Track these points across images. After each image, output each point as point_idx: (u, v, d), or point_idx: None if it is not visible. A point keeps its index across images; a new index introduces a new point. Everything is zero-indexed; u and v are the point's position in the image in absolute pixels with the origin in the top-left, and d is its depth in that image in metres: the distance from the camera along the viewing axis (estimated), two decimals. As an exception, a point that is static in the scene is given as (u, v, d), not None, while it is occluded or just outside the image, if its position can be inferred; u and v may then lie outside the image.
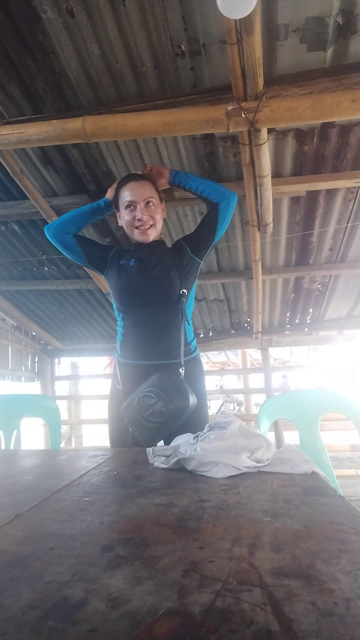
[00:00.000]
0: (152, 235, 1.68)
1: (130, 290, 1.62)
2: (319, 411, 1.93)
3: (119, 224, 1.75)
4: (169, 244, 1.89)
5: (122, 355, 1.66)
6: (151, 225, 1.65)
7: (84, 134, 1.87)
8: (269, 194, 2.41)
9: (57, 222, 1.78)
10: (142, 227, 1.64)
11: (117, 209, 1.73)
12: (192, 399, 1.43)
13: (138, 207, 1.62)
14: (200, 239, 1.77)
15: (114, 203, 1.75)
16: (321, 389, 1.92)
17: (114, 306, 1.71)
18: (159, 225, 1.70)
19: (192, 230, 1.87)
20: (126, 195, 1.64)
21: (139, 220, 1.62)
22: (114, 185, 1.70)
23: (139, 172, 1.89)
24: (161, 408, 1.37)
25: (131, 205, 1.62)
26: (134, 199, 1.62)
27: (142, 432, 1.42)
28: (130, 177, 1.71)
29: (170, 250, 1.79)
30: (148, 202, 1.63)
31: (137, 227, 1.64)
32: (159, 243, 1.76)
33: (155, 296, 1.60)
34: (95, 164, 2.60)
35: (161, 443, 1.49)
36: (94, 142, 2.28)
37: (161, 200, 1.74)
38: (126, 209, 1.64)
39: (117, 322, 1.73)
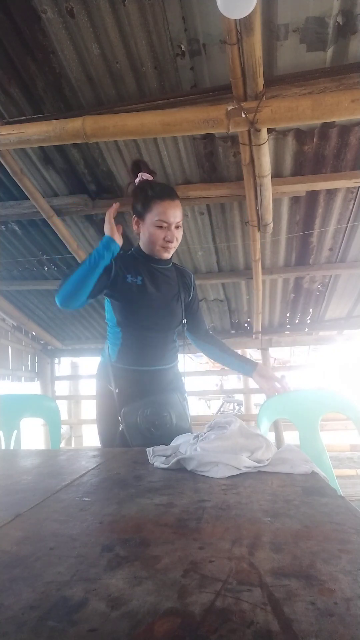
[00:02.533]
0: (172, 253, 1.68)
1: (137, 312, 1.62)
2: (318, 411, 1.93)
3: (137, 232, 1.68)
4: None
5: (118, 361, 1.66)
6: (174, 247, 1.65)
7: (84, 134, 1.87)
8: (269, 194, 2.41)
9: (61, 296, 1.55)
10: (168, 248, 1.63)
11: (142, 217, 1.63)
12: (190, 424, 1.54)
13: (170, 228, 1.59)
14: (191, 308, 1.80)
15: (138, 210, 1.65)
16: (321, 388, 1.93)
17: (114, 319, 1.66)
18: (177, 244, 1.69)
19: (194, 301, 1.84)
20: (161, 213, 1.58)
21: (168, 241, 1.60)
22: (120, 230, 1.56)
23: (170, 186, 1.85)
24: (165, 424, 1.45)
25: (163, 226, 1.59)
26: (169, 220, 1.58)
27: (137, 437, 1.47)
28: (166, 193, 1.62)
29: (177, 274, 1.76)
30: (178, 226, 1.62)
31: (162, 247, 1.62)
32: (167, 260, 1.72)
33: (159, 323, 1.66)
34: (95, 164, 2.60)
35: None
36: (94, 142, 2.28)
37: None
38: (157, 227, 1.59)
39: (112, 330, 1.69)
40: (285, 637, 0.38)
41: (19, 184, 2.58)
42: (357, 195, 2.78)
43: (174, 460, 1.04)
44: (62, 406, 5.85)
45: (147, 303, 1.61)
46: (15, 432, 2.14)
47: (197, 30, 1.80)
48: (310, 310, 4.35)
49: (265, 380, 1.69)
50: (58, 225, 2.97)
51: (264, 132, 1.94)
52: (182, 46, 1.86)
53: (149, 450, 1.20)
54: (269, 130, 2.17)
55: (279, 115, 1.75)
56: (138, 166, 1.68)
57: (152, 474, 1.02)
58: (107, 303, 1.68)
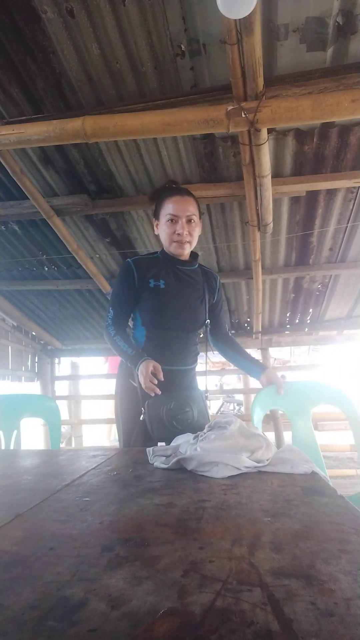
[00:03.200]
0: (187, 250, 1.72)
1: (162, 315, 1.68)
2: (311, 402, 1.97)
3: (156, 233, 1.77)
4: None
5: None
6: (188, 242, 1.69)
7: (84, 134, 1.87)
8: (269, 194, 2.41)
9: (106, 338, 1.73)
10: (181, 242, 1.67)
11: (157, 218, 1.74)
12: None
13: (180, 222, 1.65)
14: (215, 310, 1.88)
15: (155, 212, 1.75)
16: (314, 381, 1.99)
17: (138, 318, 1.73)
18: (195, 242, 1.74)
19: (218, 303, 1.92)
20: (170, 209, 1.66)
21: (178, 234, 1.66)
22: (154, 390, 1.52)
23: (180, 185, 1.92)
24: (187, 419, 1.48)
25: (173, 219, 1.65)
26: (178, 213, 1.64)
27: (158, 429, 1.50)
28: (176, 190, 1.72)
29: (203, 276, 1.82)
30: (190, 220, 1.66)
31: (175, 241, 1.68)
32: (192, 261, 1.79)
33: (184, 324, 1.72)
34: (95, 164, 2.60)
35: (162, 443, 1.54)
36: (94, 142, 2.28)
37: (200, 217, 1.76)
38: (168, 221, 1.67)
39: (137, 328, 1.75)
40: (285, 637, 0.38)
41: (19, 184, 2.58)
42: (357, 195, 2.78)
43: (174, 460, 1.04)
44: (62, 406, 5.84)
45: (171, 305, 1.67)
46: (15, 432, 2.14)
47: (197, 30, 1.80)
48: (310, 310, 4.35)
49: (268, 382, 1.85)
50: (58, 225, 2.97)
51: (264, 132, 1.93)
52: (182, 46, 1.86)
53: (149, 450, 1.20)
54: (269, 130, 2.17)
55: (279, 115, 1.75)
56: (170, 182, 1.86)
57: (152, 474, 1.02)
58: (140, 313, 1.74)
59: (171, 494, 0.84)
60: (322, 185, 2.60)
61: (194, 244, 1.74)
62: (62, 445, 5.70)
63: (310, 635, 0.39)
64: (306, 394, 2.00)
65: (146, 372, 1.50)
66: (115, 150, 2.48)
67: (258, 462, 1.02)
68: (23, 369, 5.09)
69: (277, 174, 2.55)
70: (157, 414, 1.48)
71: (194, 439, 1.16)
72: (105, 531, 0.66)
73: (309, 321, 4.52)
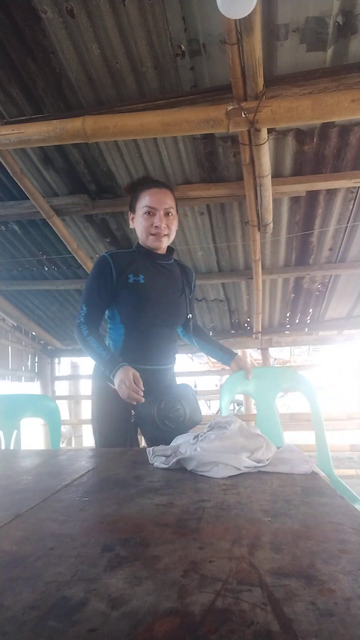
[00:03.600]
0: (165, 243, 1.68)
1: (142, 311, 1.62)
2: (276, 387, 2.13)
3: (131, 226, 1.72)
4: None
5: (122, 357, 1.62)
6: (166, 235, 1.65)
7: (84, 134, 1.87)
8: (269, 194, 2.41)
9: (77, 339, 1.65)
10: (158, 235, 1.63)
11: (133, 211, 1.69)
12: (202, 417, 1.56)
13: (157, 214, 1.61)
14: (191, 304, 1.86)
15: (131, 205, 1.70)
16: (279, 367, 2.27)
17: (117, 316, 1.65)
18: (173, 236, 1.69)
19: (194, 298, 1.93)
20: (147, 201, 1.61)
21: (156, 227, 1.61)
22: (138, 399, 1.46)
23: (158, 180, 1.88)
24: (179, 417, 1.45)
25: (150, 212, 1.61)
26: (155, 205, 1.60)
27: (153, 431, 1.47)
28: (152, 183, 1.67)
29: (180, 270, 1.79)
30: (168, 213, 1.63)
31: (152, 234, 1.63)
32: (169, 255, 1.75)
33: (166, 320, 1.67)
34: (95, 164, 2.60)
35: None
36: (94, 142, 2.28)
37: (177, 212, 1.73)
38: (144, 214, 1.62)
39: (115, 327, 1.68)
40: (285, 637, 0.38)
41: (19, 184, 2.58)
42: (357, 195, 2.78)
43: (174, 460, 1.04)
44: (62, 406, 5.84)
45: (152, 301, 1.62)
46: (15, 432, 2.14)
47: (197, 30, 1.80)
48: (310, 310, 4.35)
49: (238, 368, 1.91)
50: (58, 225, 2.97)
51: (264, 132, 1.94)
52: (182, 46, 1.86)
53: (149, 450, 1.20)
54: (269, 130, 2.17)
55: (279, 115, 1.75)
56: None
57: (152, 474, 1.02)
58: (118, 310, 1.67)
59: (171, 494, 0.84)
60: (322, 185, 2.60)
61: (172, 237, 1.70)
62: (62, 445, 5.70)
63: (310, 635, 0.39)
64: (271, 379, 2.14)
65: (129, 382, 1.44)
66: (115, 150, 2.48)
67: (258, 462, 1.02)
68: (23, 369, 5.09)
69: (277, 174, 2.55)
70: (148, 414, 1.45)
71: (194, 439, 1.16)
72: (105, 531, 0.66)
73: (309, 321, 4.52)
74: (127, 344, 1.64)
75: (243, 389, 2.14)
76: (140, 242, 1.70)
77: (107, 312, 1.70)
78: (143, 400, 1.44)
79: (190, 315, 1.79)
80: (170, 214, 1.64)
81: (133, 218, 1.70)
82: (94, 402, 1.71)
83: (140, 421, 1.50)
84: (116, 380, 1.47)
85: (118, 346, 1.66)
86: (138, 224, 1.67)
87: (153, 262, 1.68)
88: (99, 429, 1.68)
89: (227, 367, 1.95)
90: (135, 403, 1.45)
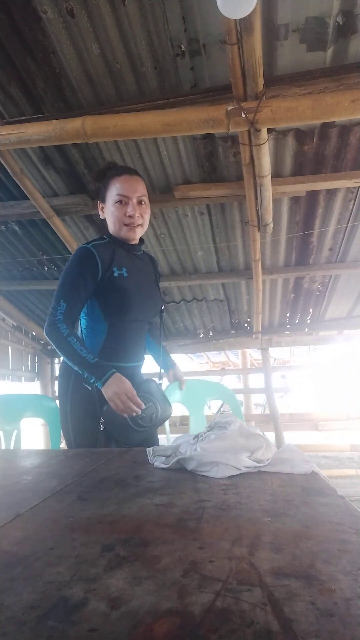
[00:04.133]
0: (139, 234, 1.59)
1: (129, 306, 1.54)
2: (204, 397, 2.51)
3: (101, 217, 1.61)
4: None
5: (103, 356, 1.53)
6: (140, 225, 1.56)
7: (84, 134, 1.87)
8: (269, 194, 2.41)
9: (49, 338, 1.56)
10: (132, 225, 1.54)
11: (103, 200, 1.57)
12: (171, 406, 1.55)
13: (130, 203, 1.51)
14: None
15: (99, 193, 1.60)
16: (205, 380, 2.80)
17: (99, 314, 1.55)
18: (146, 225, 1.61)
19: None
20: (118, 188, 1.50)
21: (130, 217, 1.52)
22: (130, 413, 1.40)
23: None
24: (152, 414, 1.42)
25: (123, 200, 1.51)
26: (128, 194, 1.50)
27: (127, 435, 1.43)
28: (123, 169, 1.57)
29: (149, 259, 1.74)
30: (141, 201, 1.53)
31: (126, 224, 1.53)
32: (140, 245, 1.66)
33: (147, 312, 1.64)
34: (95, 164, 2.60)
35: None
36: (94, 142, 2.28)
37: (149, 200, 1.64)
38: (116, 203, 1.52)
39: (95, 325, 1.57)
40: (285, 637, 0.38)
41: (19, 184, 2.58)
42: (357, 195, 2.78)
43: (174, 460, 1.04)
44: (62, 406, 5.82)
45: (135, 295, 1.54)
46: (15, 432, 2.14)
47: (197, 30, 1.80)
48: (310, 310, 4.35)
49: (174, 379, 1.96)
50: (58, 225, 2.97)
51: (264, 132, 1.94)
52: (182, 46, 1.86)
53: (149, 450, 1.20)
54: (269, 130, 2.17)
55: (279, 115, 1.75)
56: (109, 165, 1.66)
57: (152, 474, 1.02)
58: (100, 306, 1.57)
59: (171, 494, 0.84)
60: (322, 185, 2.60)
61: (146, 227, 1.61)
62: (62, 445, 5.70)
63: (310, 635, 0.39)
64: (199, 390, 2.46)
65: (129, 395, 1.37)
66: (115, 150, 2.48)
67: (258, 462, 1.01)
68: (23, 369, 5.09)
69: (277, 174, 2.55)
70: (118, 417, 1.39)
71: (194, 439, 1.16)
72: (105, 531, 0.66)
73: (309, 321, 4.52)
74: (108, 342, 1.55)
75: (178, 397, 2.38)
76: (112, 233, 1.59)
77: (84, 311, 1.59)
78: (139, 410, 1.38)
79: (163, 306, 1.74)
80: (143, 202, 1.54)
81: (103, 208, 1.59)
82: (69, 403, 1.57)
83: (111, 427, 1.43)
84: (108, 391, 1.38)
85: (97, 345, 1.55)
86: (109, 213, 1.55)
87: (129, 254, 1.59)
88: (73, 428, 1.56)
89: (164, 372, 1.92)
90: (126, 415, 1.39)
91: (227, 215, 3.01)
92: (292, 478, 0.95)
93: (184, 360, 9.99)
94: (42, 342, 5.25)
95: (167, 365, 1.90)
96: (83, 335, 1.61)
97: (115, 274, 1.51)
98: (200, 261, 3.58)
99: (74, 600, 0.46)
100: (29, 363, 5.23)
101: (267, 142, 2.03)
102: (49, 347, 5.29)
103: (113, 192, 1.52)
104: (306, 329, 4.58)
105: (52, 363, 5.42)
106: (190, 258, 3.54)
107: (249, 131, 1.95)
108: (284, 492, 0.84)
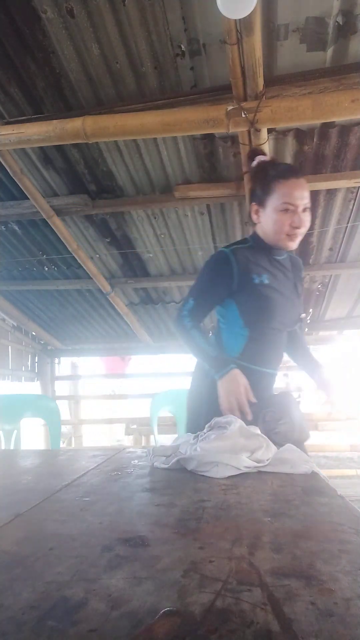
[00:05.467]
0: (297, 243, 1.47)
1: (270, 314, 1.45)
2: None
3: (256, 221, 1.47)
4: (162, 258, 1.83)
5: (243, 358, 1.46)
6: (301, 235, 1.44)
7: (84, 134, 1.87)
8: (269, 194, 2.40)
9: (178, 330, 1.48)
10: (295, 235, 1.41)
11: (261, 203, 1.42)
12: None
13: (297, 212, 1.38)
14: None
15: (257, 195, 1.45)
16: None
17: (239, 320, 1.47)
18: (305, 231, 1.47)
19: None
20: (285, 195, 1.36)
21: (295, 228, 1.39)
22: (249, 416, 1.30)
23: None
24: (286, 432, 1.30)
25: (289, 209, 1.37)
26: (295, 202, 1.36)
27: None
28: (289, 171, 1.42)
29: (291, 264, 1.58)
30: (305, 209, 1.40)
31: (288, 234, 1.40)
32: (284, 250, 1.53)
33: (288, 322, 1.53)
34: (95, 164, 2.60)
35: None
36: (94, 142, 2.28)
37: None
38: (282, 211, 1.38)
39: (236, 330, 1.49)
40: (285, 637, 0.38)
41: (19, 184, 2.58)
42: (357, 195, 2.78)
43: (174, 460, 1.04)
44: (62, 406, 5.84)
45: (277, 302, 1.45)
46: (15, 432, 2.14)
47: (197, 30, 1.80)
48: (310, 310, 4.35)
49: (324, 387, 1.62)
50: (58, 225, 2.97)
51: (264, 132, 1.94)
52: (182, 46, 1.86)
53: (149, 450, 1.20)
54: (269, 130, 2.17)
55: (279, 115, 1.75)
56: (256, 152, 1.52)
57: (152, 474, 1.02)
58: (229, 303, 1.49)
59: (171, 494, 0.84)
60: (322, 185, 2.60)
61: (304, 234, 1.48)
62: (62, 445, 5.70)
63: (310, 635, 0.39)
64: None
65: (243, 390, 1.30)
66: (115, 150, 2.48)
67: (258, 462, 1.01)
68: (23, 369, 5.09)
69: (277, 174, 2.55)
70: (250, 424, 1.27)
71: (194, 439, 1.16)
72: (105, 531, 0.66)
73: (309, 321, 4.52)
74: (249, 348, 1.47)
75: (167, 407, 2.44)
76: (262, 237, 1.47)
77: (223, 313, 1.52)
78: (250, 416, 1.29)
79: (303, 314, 1.61)
80: (306, 210, 1.41)
81: (258, 210, 1.45)
82: (206, 385, 1.47)
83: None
84: (223, 385, 1.33)
85: (238, 349, 1.47)
86: (270, 221, 1.41)
87: (271, 259, 1.48)
88: (207, 411, 1.42)
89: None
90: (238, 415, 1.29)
91: (227, 215, 3.01)
92: (292, 478, 0.95)
93: (184, 360, 9.98)
94: (42, 342, 5.25)
95: (315, 376, 1.63)
96: (222, 337, 1.54)
97: (256, 281, 1.42)
98: (200, 261, 3.58)
99: (74, 600, 0.46)
100: (29, 363, 5.23)
101: (267, 142, 2.03)
102: (49, 347, 5.29)
103: (278, 198, 1.38)
104: (306, 329, 4.58)
105: (52, 363, 5.42)
106: (190, 258, 3.54)
107: (249, 131, 1.95)
108: (284, 492, 0.84)
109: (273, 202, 1.39)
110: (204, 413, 1.45)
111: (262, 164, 1.47)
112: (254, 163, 1.48)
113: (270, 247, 1.47)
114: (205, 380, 1.48)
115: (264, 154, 1.53)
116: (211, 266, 1.47)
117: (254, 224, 1.50)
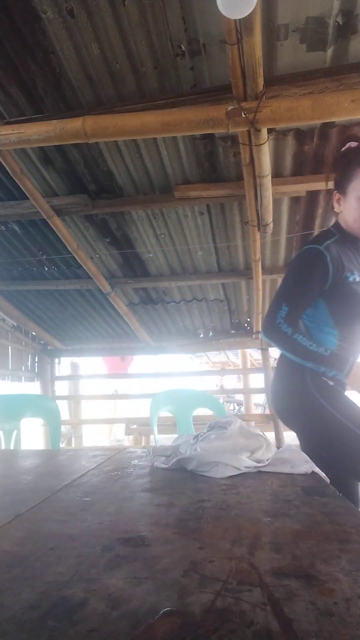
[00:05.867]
0: None
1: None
2: (192, 406, 2.55)
3: (338, 209, 1.44)
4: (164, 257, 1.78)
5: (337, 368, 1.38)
6: None
7: (84, 134, 1.87)
8: (269, 194, 2.41)
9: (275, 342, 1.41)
10: None
11: (343, 191, 1.40)
12: None
13: None
14: None
15: (339, 183, 1.42)
16: (194, 389, 3.04)
17: (329, 320, 1.42)
18: None
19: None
20: None
21: None
22: None
23: None
24: None
25: None
26: None
27: None
28: None
29: None
30: None
31: None
32: None
33: None
34: (95, 164, 2.60)
35: None
36: (94, 142, 2.28)
37: None
38: None
39: (328, 329, 1.43)
40: (285, 637, 0.38)
41: (19, 184, 2.58)
42: (357, 195, 2.78)
43: (174, 460, 1.04)
44: (62, 406, 5.84)
45: None
46: (15, 432, 2.14)
47: (197, 30, 1.80)
48: (310, 310, 4.35)
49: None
50: (58, 225, 2.97)
51: (264, 132, 1.93)
52: (182, 46, 1.86)
53: (149, 450, 1.20)
54: (269, 130, 2.16)
55: (279, 115, 1.75)
56: (350, 138, 1.50)
57: (152, 474, 1.02)
58: (317, 302, 1.43)
59: (171, 494, 0.84)
60: (322, 185, 2.60)
61: None
62: (62, 445, 5.70)
63: (310, 635, 0.39)
64: (187, 400, 2.57)
65: None
66: (115, 150, 2.48)
67: (258, 462, 1.02)
68: (23, 369, 5.09)
69: (277, 174, 2.55)
70: None
71: (194, 439, 1.17)
72: (105, 531, 0.66)
73: None
74: (338, 350, 1.41)
75: (167, 407, 2.49)
76: (347, 228, 1.42)
77: (309, 312, 1.45)
78: None
79: None
80: None
81: (340, 200, 1.42)
82: (315, 397, 1.37)
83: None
84: (355, 380, 1.31)
85: (326, 351, 1.37)
86: (351, 209, 1.37)
87: (356, 253, 1.44)
88: (337, 425, 1.33)
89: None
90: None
91: (227, 215, 3.01)
92: (292, 478, 0.95)
93: (184, 361, 10.00)
94: (42, 342, 5.25)
95: None
96: (308, 336, 1.46)
97: (350, 279, 1.36)
98: (200, 261, 3.58)
99: (74, 600, 0.46)
100: (29, 363, 5.23)
101: (267, 142, 2.03)
102: (49, 347, 5.29)
103: (358, 185, 1.35)
104: None
105: (52, 363, 5.42)
106: (190, 258, 3.54)
107: (249, 131, 1.94)
108: (284, 492, 0.84)
109: (353, 189, 1.36)
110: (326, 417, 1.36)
111: (345, 151, 1.43)
112: (343, 149, 1.45)
113: (356, 239, 1.41)
114: (305, 382, 1.39)
115: (358, 140, 1.47)
116: (305, 267, 1.40)
117: (336, 213, 1.46)
